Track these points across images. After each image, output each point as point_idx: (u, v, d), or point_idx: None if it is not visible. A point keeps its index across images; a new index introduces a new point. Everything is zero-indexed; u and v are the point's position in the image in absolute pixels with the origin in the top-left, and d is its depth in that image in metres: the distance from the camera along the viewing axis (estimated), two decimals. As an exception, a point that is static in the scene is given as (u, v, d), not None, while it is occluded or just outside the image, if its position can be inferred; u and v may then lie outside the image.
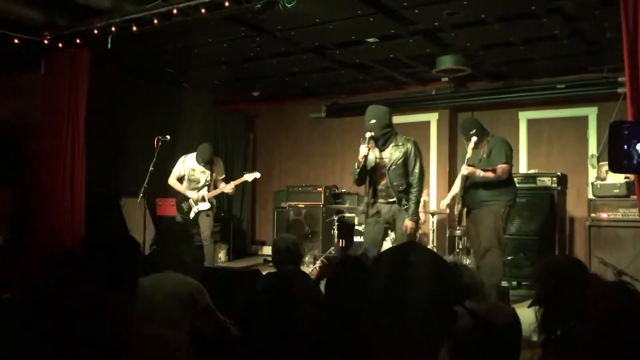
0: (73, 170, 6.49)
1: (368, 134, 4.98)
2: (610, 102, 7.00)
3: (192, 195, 6.77)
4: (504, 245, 5.41)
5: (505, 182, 5.32)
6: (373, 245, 4.98)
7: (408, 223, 4.88)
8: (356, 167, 4.98)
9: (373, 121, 4.99)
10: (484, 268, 5.29)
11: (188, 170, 6.84)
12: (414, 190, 4.94)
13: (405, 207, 4.93)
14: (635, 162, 1.37)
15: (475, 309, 2.54)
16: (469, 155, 5.32)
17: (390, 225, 5.06)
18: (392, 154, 4.97)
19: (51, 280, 1.78)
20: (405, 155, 4.94)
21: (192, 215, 6.79)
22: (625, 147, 1.36)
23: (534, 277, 2.13)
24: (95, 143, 6.80)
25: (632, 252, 5.70)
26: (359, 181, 5.09)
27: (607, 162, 6.66)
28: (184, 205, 6.84)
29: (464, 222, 5.79)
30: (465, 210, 5.51)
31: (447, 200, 5.89)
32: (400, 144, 4.98)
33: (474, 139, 5.31)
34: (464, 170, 5.30)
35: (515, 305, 5.21)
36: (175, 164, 6.95)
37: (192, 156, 6.88)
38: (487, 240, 5.26)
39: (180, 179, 6.87)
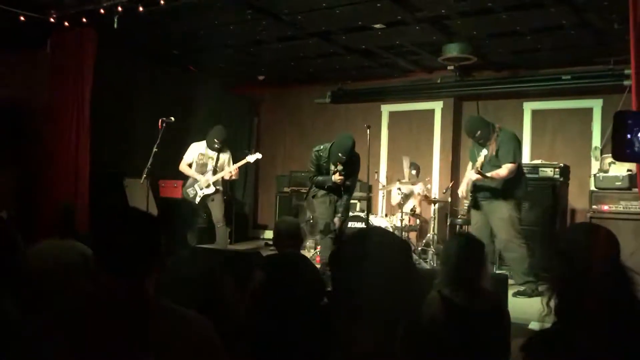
0: (78, 150, 6.52)
1: (340, 167, 5.77)
2: (616, 94, 6.97)
3: (200, 178, 6.81)
4: (522, 234, 5.50)
5: (516, 175, 5.42)
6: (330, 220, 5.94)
7: (337, 221, 5.84)
8: (323, 185, 5.96)
9: (344, 157, 5.72)
10: (510, 259, 5.52)
11: (197, 155, 6.90)
12: (352, 192, 6.08)
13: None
14: (637, 149, 1.39)
15: (449, 295, 2.54)
16: (478, 164, 5.29)
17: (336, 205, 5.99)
18: (348, 169, 5.81)
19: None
20: (353, 169, 5.92)
21: (197, 200, 6.83)
22: (629, 135, 1.39)
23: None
24: (100, 123, 6.82)
25: (633, 245, 5.70)
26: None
27: (610, 154, 6.68)
28: (190, 191, 6.88)
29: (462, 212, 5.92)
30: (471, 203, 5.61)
31: (464, 186, 5.78)
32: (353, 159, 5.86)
33: (484, 152, 5.31)
34: (472, 176, 5.36)
35: (513, 294, 5.27)
36: (179, 146, 7.00)
37: (202, 143, 6.95)
38: (506, 232, 5.38)
39: (190, 165, 6.94)
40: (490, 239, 5.58)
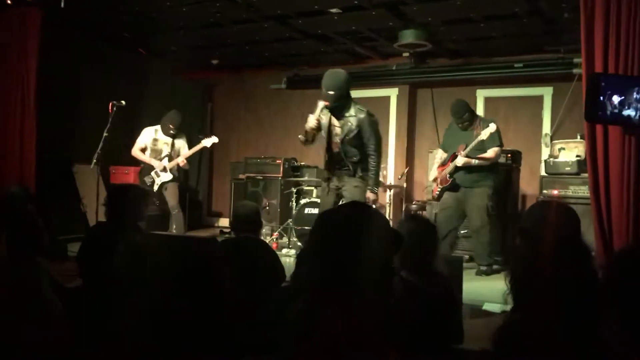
0: (23, 134, 6.25)
1: (321, 104, 4.68)
2: (566, 82, 7.17)
3: (156, 164, 6.64)
4: (492, 220, 5.74)
5: (494, 164, 5.69)
6: None
7: (370, 195, 4.77)
8: (302, 138, 4.83)
9: (331, 92, 4.63)
10: (481, 243, 5.74)
11: (151, 140, 6.72)
12: (372, 161, 4.82)
13: (360, 176, 4.83)
14: (609, 112, 1.41)
15: (409, 277, 2.58)
16: (474, 144, 5.42)
17: (340, 191, 4.93)
18: (345, 124, 4.76)
19: None
20: (359, 127, 4.75)
21: (155, 188, 6.67)
22: (601, 98, 1.40)
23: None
24: (47, 107, 6.55)
25: (582, 228, 5.90)
26: (307, 143, 4.93)
27: (560, 141, 6.86)
28: (147, 179, 6.70)
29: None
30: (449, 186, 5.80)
31: (435, 173, 6.01)
32: (353, 114, 4.75)
33: (481, 135, 5.45)
34: (460, 161, 5.47)
35: (468, 277, 5.37)
36: (131, 131, 6.82)
37: (154, 127, 6.76)
38: (480, 218, 5.63)
39: (143, 150, 6.74)
40: (458, 223, 5.86)
